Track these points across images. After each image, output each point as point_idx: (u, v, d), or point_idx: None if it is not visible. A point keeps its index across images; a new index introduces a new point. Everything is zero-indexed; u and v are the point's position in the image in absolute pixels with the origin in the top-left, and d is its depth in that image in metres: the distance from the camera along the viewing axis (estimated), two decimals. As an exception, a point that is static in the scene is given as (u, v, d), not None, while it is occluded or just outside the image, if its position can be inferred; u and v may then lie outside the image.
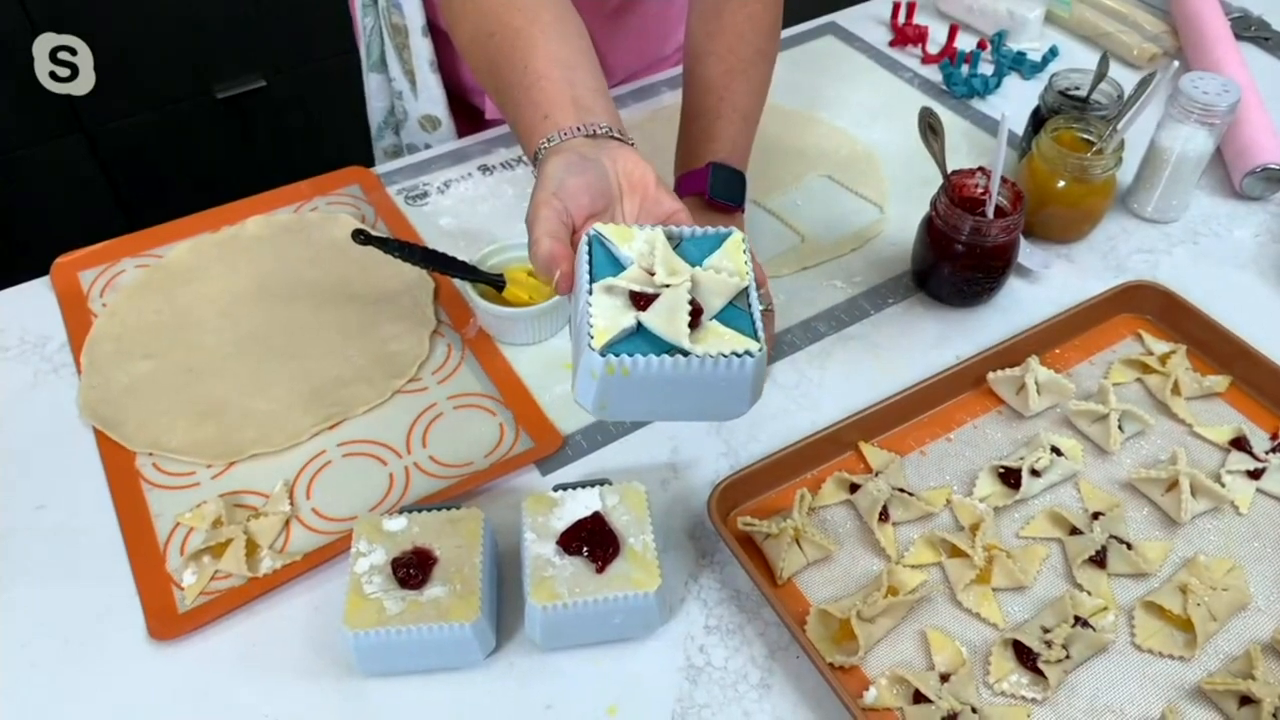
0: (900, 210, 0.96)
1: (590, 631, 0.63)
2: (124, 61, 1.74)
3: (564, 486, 0.65)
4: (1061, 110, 0.93)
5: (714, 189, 0.79)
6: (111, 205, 1.89)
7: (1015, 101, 1.09)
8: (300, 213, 0.96)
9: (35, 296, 0.87)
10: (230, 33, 1.82)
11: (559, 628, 0.61)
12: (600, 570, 0.61)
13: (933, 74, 1.14)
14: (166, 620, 0.65)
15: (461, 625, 0.59)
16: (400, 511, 0.65)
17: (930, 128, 0.86)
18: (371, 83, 1.12)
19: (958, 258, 0.83)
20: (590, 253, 0.56)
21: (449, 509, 0.65)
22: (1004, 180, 0.82)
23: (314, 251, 0.91)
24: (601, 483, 0.65)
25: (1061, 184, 0.89)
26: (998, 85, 1.11)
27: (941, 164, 0.85)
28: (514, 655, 0.64)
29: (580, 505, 0.64)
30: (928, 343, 0.84)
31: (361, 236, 0.78)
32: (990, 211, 0.82)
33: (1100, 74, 0.93)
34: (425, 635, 0.59)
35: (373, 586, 0.61)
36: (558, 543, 0.62)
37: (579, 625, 0.61)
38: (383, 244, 0.79)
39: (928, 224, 0.85)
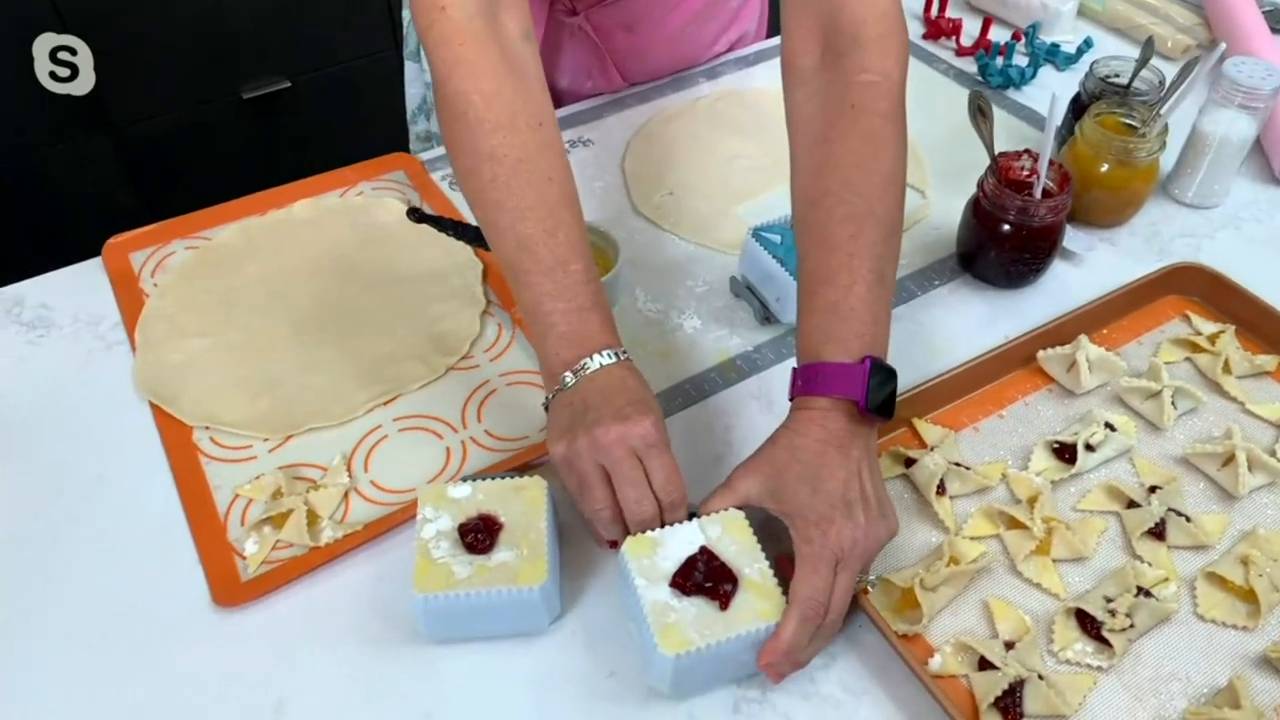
0: (942, 196, 0.97)
1: (722, 672, 0.60)
2: (151, 62, 1.75)
3: None
4: (1103, 96, 0.94)
5: (873, 398, 0.62)
6: (137, 205, 1.91)
7: (1051, 92, 1.10)
8: (346, 197, 0.96)
9: (87, 277, 0.88)
10: (256, 34, 1.84)
11: (690, 673, 0.58)
12: (724, 607, 0.58)
13: (967, 65, 1.15)
14: (230, 588, 0.65)
15: (530, 588, 0.59)
16: (463, 480, 0.65)
17: (980, 110, 0.86)
18: (409, 70, 1.14)
19: (1004, 238, 0.84)
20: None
21: (512, 477, 0.65)
22: (1051, 162, 0.83)
23: (362, 234, 0.92)
24: (692, 515, 0.63)
25: (1105, 168, 0.89)
26: (1034, 76, 1.12)
27: (989, 145, 0.85)
28: (577, 623, 0.64)
29: (683, 542, 0.60)
30: (975, 324, 0.85)
31: (416, 214, 0.79)
32: (1038, 192, 0.82)
33: (1144, 58, 0.94)
34: (494, 599, 0.59)
35: (440, 552, 0.61)
36: (671, 585, 0.58)
37: (712, 667, 0.58)
38: (436, 222, 0.79)
39: (974, 205, 0.86)
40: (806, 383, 0.64)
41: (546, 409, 0.65)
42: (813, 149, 0.69)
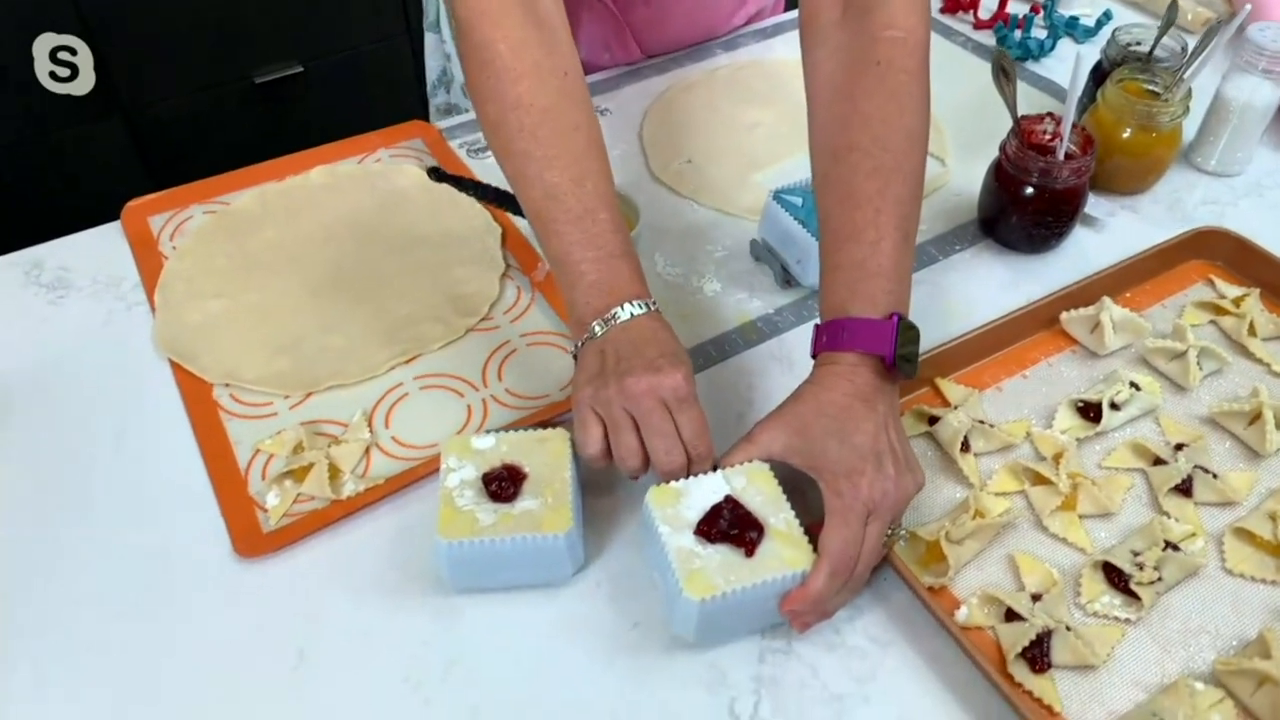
0: (961, 165, 0.96)
1: (747, 619, 0.60)
2: (162, 47, 1.76)
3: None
4: (1125, 63, 0.93)
5: (900, 353, 0.61)
6: (148, 188, 1.91)
7: (1071, 64, 1.09)
8: (364, 163, 0.96)
9: (105, 240, 0.88)
10: (267, 18, 1.84)
11: (716, 619, 0.57)
12: (749, 555, 0.57)
13: (985, 39, 1.15)
14: (251, 539, 0.65)
15: (555, 536, 0.59)
16: (486, 433, 0.65)
17: (1003, 70, 0.86)
18: (429, 41, 1.14)
19: (1026, 202, 0.83)
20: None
21: (535, 429, 0.65)
22: (1074, 125, 0.82)
23: (380, 199, 0.91)
24: (716, 467, 0.63)
25: (1127, 133, 0.89)
26: (1052, 48, 1.11)
27: (1012, 107, 0.85)
28: (600, 574, 0.64)
29: (707, 491, 0.60)
30: (996, 288, 0.84)
31: (436, 174, 0.79)
32: (1061, 154, 0.82)
33: (1168, 21, 0.93)
34: (518, 546, 0.59)
35: (464, 500, 0.61)
36: (696, 532, 0.58)
37: (737, 614, 0.58)
38: (457, 182, 0.79)
39: (995, 169, 0.86)
40: (832, 338, 0.63)
41: (575, 357, 0.64)
42: (836, 104, 0.69)
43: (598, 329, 0.62)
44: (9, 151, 1.72)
